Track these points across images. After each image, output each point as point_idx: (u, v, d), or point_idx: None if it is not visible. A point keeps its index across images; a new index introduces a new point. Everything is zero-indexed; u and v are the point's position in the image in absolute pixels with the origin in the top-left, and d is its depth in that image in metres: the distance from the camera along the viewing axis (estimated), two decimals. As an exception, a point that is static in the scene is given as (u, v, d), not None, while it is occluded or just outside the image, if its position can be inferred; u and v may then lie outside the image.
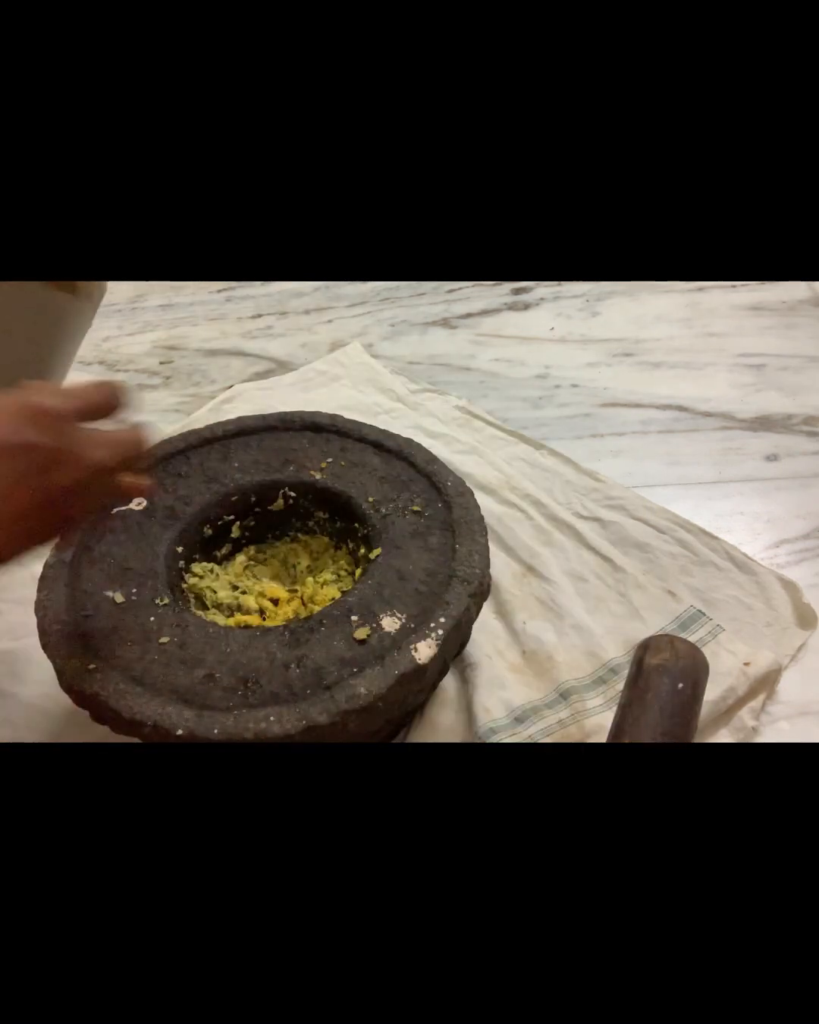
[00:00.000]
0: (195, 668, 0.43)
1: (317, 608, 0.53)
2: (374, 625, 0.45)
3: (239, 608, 0.53)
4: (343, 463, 0.56)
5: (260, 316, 0.92)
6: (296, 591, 0.55)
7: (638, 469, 0.71)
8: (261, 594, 0.54)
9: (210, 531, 0.55)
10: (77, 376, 0.66)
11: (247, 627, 0.49)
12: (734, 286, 0.90)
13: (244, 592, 0.54)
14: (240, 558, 0.56)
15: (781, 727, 0.53)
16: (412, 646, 0.43)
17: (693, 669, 0.43)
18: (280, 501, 0.56)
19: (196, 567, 0.54)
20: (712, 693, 0.49)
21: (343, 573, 0.55)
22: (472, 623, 0.49)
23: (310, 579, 0.55)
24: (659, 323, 0.87)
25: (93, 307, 0.55)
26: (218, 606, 0.53)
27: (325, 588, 0.54)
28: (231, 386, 0.82)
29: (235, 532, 0.56)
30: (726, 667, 0.52)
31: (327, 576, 0.55)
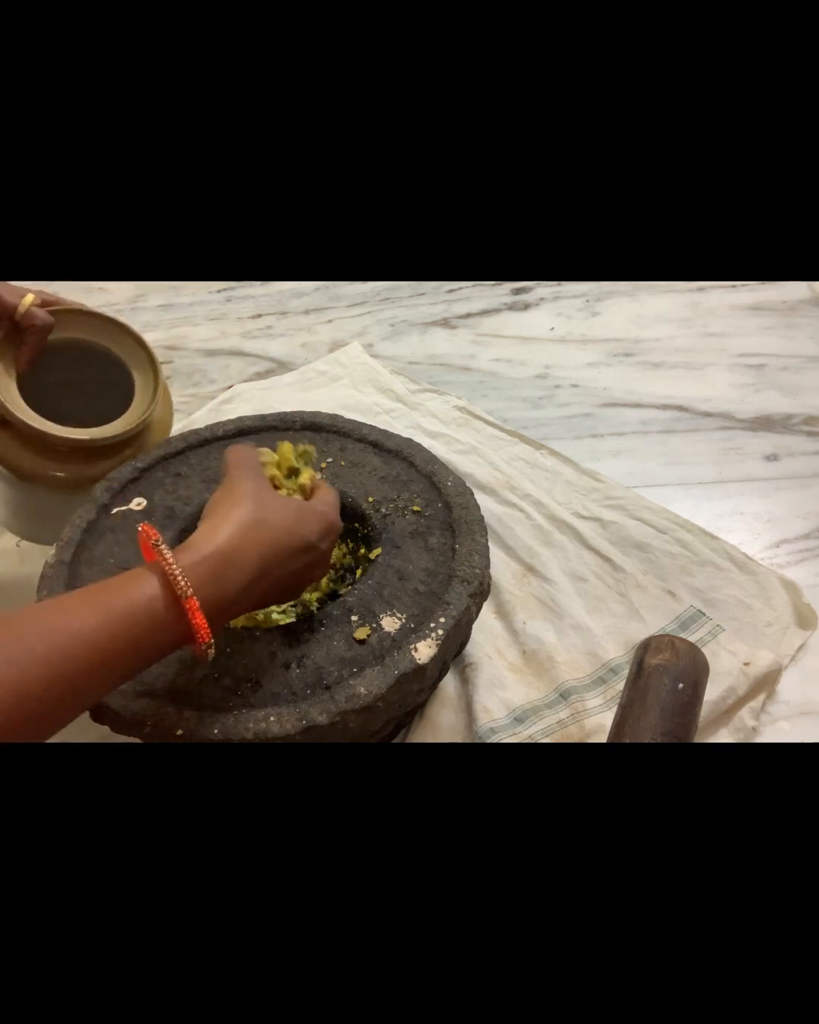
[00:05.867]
0: (195, 668, 0.43)
1: (314, 596, 0.53)
2: (374, 625, 0.45)
3: None
4: (343, 463, 0.56)
5: (260, 316, 0.92)
6: None
7: (638, 469, 0.71)
8: None
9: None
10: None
11: (247, 627, 0.49)
12: (734, 286, 0.90)
13: None
14: None
15: (781, 727, 0.53)
16: (412, 646, 0.43)
17: (693, 669, 0.43)
18: (280, 501, 0.56)
19: None
20: (712, 693, 0.49)
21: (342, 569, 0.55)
22: (472, 623, 0.49)
23: None
24: (659, 323, 0.87)
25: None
26: None
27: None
28: (231, 386, 0.82)
29: None
30: (726, 667, 0.52)
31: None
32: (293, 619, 0.53)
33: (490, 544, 0.51)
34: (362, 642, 0.44)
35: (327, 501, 0.45)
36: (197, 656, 0.37)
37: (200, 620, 0.35)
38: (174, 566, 0.35)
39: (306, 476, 0.48)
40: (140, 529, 0.39)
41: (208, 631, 0.36)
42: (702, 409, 0.77)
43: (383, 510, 0.52)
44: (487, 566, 0.49)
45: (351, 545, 0.55)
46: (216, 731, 0.40)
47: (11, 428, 0.54)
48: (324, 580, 0.55)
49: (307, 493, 0.47)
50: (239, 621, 0.51)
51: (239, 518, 0.39)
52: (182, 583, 0.35)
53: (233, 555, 0.38)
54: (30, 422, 0.53)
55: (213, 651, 0.37)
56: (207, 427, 0.59)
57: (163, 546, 0.36)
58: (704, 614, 0.57)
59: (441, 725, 0.52)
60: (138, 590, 0.35)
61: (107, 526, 0.52)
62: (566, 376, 0.82)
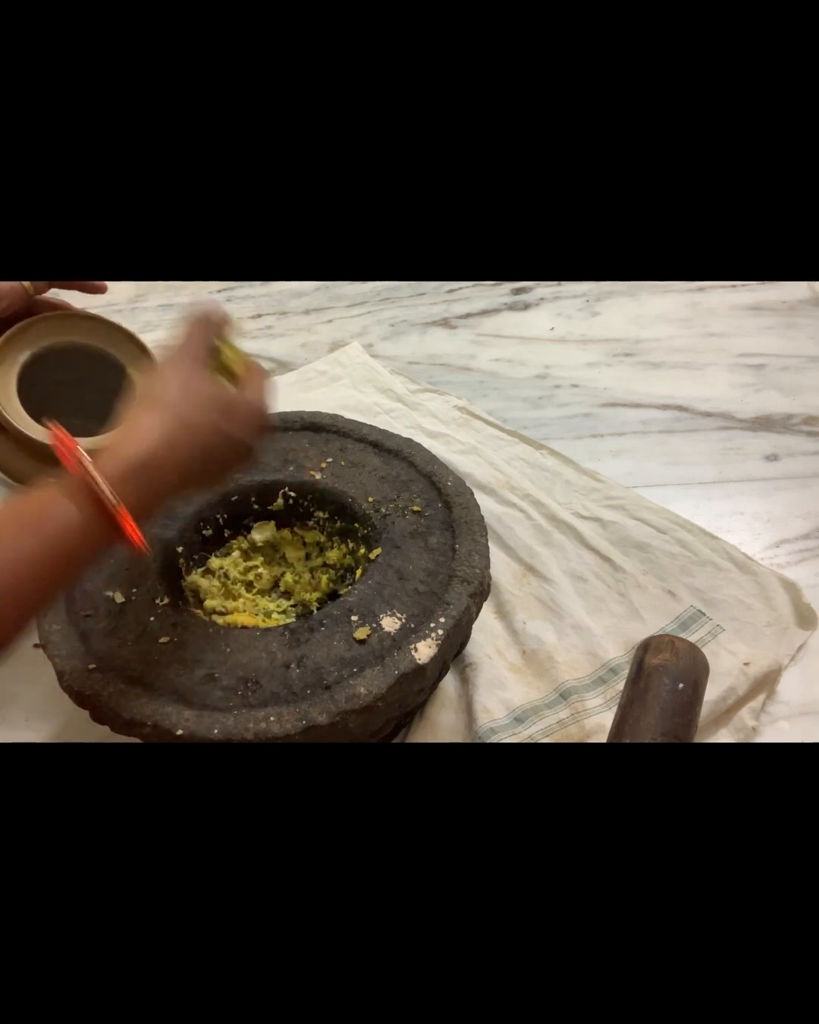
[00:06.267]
0: (195, 668, 0.43)
1: (305, 591, 0.54)
2: (374, 625, 0.45)
3: (236, 609, 0.53)
4: (343, 463, 0.56)
5: (260, 316, 0.92)
6: (286, 583, 0.56)
7: (638, 469, 0.71)
8: (254, 598, 0.55)
9: (209, 531, 0.55)
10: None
11: (247, 627, 0.50)
12: (734, 286, 0.90)
13: (236, 597, 0.54)
14: (235, 555, 0.56)
15: (781, 727, 0.53)
16: (412, 646, 0.43)
17: (693, 669, 0.43)
18: (280, 501, 0.56)
19: (195, 574, 0.54)
20: (712, 693, 0.49)
21: (340, 567, 0.55)
22: (472, 623, 0.49)
23: (299, 566, 0.56)
24: (659, 323, 0.87)
25: None
26: (214, 612, 0.53)
27: (318, 574, 0.55)
28: (231, 386, 0.81)
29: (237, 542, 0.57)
30: (726, 667, 0.52)
31: (318, 562, 0.56)
32: (293, 619, 0.53)
33: (490, 544, 0.51)
34: (362, 642, 0.44)
35: (259, 390, 0.43)
36: (132, 553, 0.38)
37: (132, 528, 0.36)
38: (102, 482, 0.35)
39: (231, 358, 0.43)
40: (52, 431, 0.39)
41: (140, 536, 0.37)
42: (702, 409, 0.77)
43: (383, 510, 0.52)
44: (487, 566, 0.49)
45: (351, 545, 0.55)
46: (216, 731, 0.40)
47: (9, 434, 0.54)
48: (324, 580, 0.55)
49: (236, 378, 0.43)
50: (239, 621, 0.51)
51: (164, 420, 0.38)
52: (112, 498, 0.35)
53: (157, 461, 0.37)
54: (27, 431, 0.53)
55: (148, 550, 0.38)
56: (207, 427, 0.59)
57: (88, 462, 0.36)
58: (704, 614, 0.57)
59: (441, 725, 0.52)
60: (67, 508, 0.35)
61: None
62: (566, 376, 0.82)
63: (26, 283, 0.53)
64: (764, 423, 0.75)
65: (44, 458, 0.56)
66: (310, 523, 0.57)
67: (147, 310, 0.92)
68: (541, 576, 0.60)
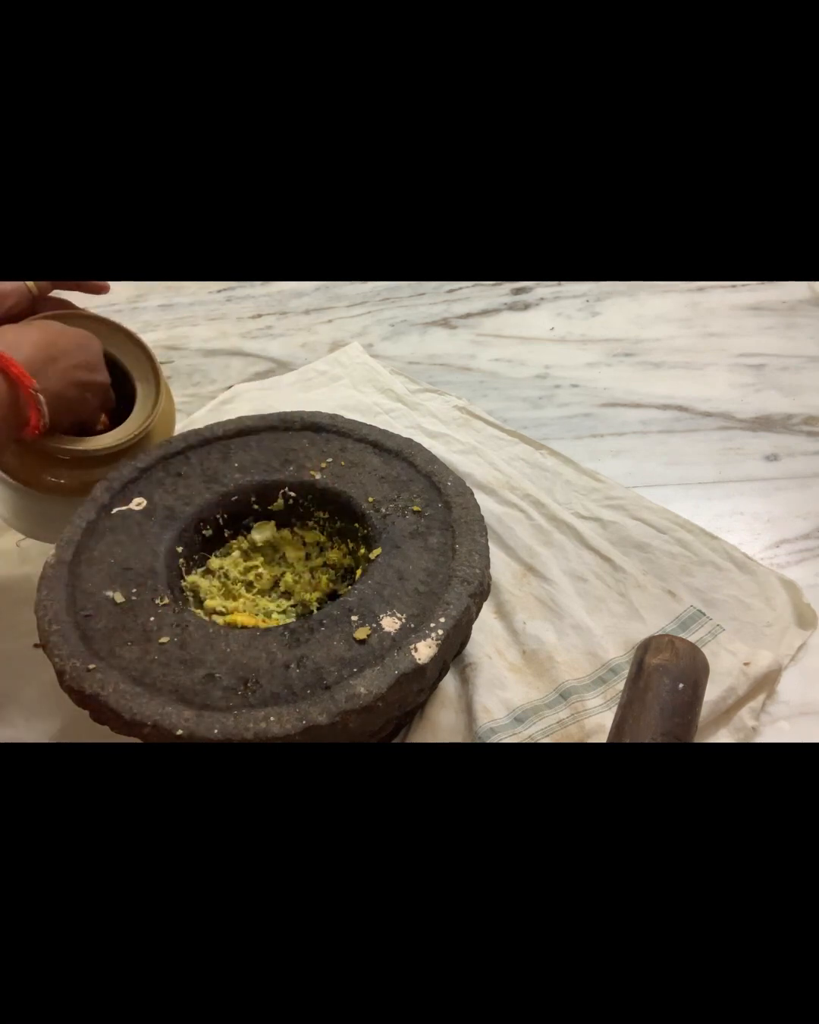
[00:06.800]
0: (195, 668, 0.43)
1: (305, 591, 0.54)
2: (374, 625, 0.45)
3: (236, 609, 0.53)
4: (343, 463, 0.56)
5: (260, 316, 0.92)
6: (286, 584, 0.56)
7: (638, 469, 0.71)
8: (254, 598, 0.55)
9: (209, 531, 0.55)
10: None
11: (247, 627, 0.50)
12: (734, 286, 0.90)
13: (236, 597, 0.54)
14: (235, 555, 0.56)
15: (781, 727, 0.53)
16: (412, 646, 0.43)
17: (693, 669, 0.43)
18: (280, 501, 0.56)
19: (195, 575, 0.54)
20: (712, 693, 0.49)
21: (339, 567, 0.55)
22: (472, 623, 0.49)
23: (299, 566, 0.56)
24: (659, 323, 0.87)
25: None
26: (214, 612, 0.53)
27: (318, 574, 0.55)
28: (231, 386, 0.82)
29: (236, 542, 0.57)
30: (726, 667, 0.52)
31: (318, 562, 0.56)
32: (293, 619, 0.53)
33: (490, 544, 0.51)
34: (362, 642, 0.44)
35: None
36: (33, 428, 0.49)
37: (18, 370, 0.46)
38: (24, 371, 0.46)
39: None
40: None
41: (45, 416, 0.49)
42: (702, 409, 0.77)
43: (383, 510, 0.52)
44: (487, 566, 0.49)
45: (351, 545, 0.55)
46: (216, 731, 0.40)
47: None
48: (324, 580, 0.55)
49: None
50: (239, 620, 0.51)
51: (39, 334, 0.50)
52: (34, 384, 0.47)
53: (47, 358, 0.49)
54: None
55: (46, 415, 0.49)
56: (207, 427, 0.59)
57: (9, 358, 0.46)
58: (704, 614, 0.57)
59: (441, 725, 0.52)
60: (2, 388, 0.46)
61: (107, 526, 0.52)
62: (566, 376, 0.82)
63: (30, 283, 0.54)
64: (764, 423, 0.75)
65: (47, 459, 0.56)
66: (310, 523, 0.57)
67: (147, 310, 0.92)
68: (541, 576, 0.60)
